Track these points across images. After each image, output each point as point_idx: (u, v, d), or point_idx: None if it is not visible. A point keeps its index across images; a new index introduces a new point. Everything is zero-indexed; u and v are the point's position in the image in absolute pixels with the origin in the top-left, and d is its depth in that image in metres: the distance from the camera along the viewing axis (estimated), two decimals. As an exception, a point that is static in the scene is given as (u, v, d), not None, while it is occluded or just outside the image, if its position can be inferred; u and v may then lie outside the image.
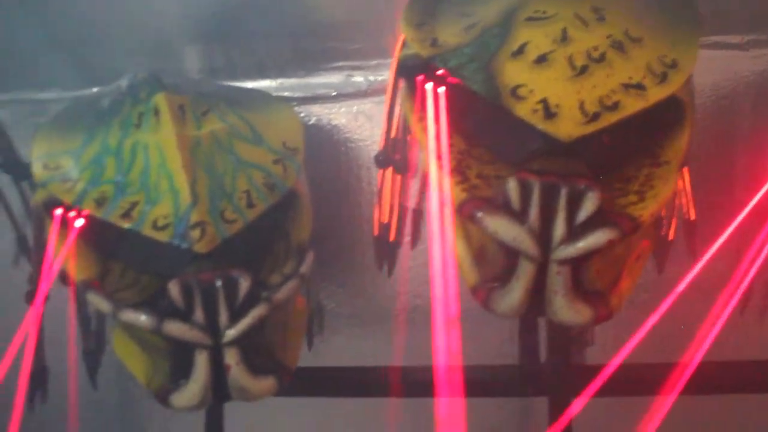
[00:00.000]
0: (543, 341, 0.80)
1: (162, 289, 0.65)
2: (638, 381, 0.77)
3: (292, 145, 0.77)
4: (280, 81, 1.02)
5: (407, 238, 0.97)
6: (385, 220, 0.95)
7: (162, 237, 0.65)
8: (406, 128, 0.91)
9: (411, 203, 0.97)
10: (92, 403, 1.01)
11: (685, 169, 0.84)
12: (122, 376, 1.03)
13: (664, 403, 0.71)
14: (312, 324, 0.90)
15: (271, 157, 0.74)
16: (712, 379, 0.79)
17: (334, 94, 1.02)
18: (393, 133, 0.91)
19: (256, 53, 1.02)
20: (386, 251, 0.96)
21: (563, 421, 0.76)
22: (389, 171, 0.94)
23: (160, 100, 0.72)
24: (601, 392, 0.73)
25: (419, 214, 0.98)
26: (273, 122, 0.80)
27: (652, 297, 0.82)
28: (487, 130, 0.67)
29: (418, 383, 0.85)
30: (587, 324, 0.61)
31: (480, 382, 0.79)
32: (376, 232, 0.96)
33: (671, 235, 0.88)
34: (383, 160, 0.93)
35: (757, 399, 0.90)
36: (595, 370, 0.82)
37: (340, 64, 1.02)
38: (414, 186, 0.96)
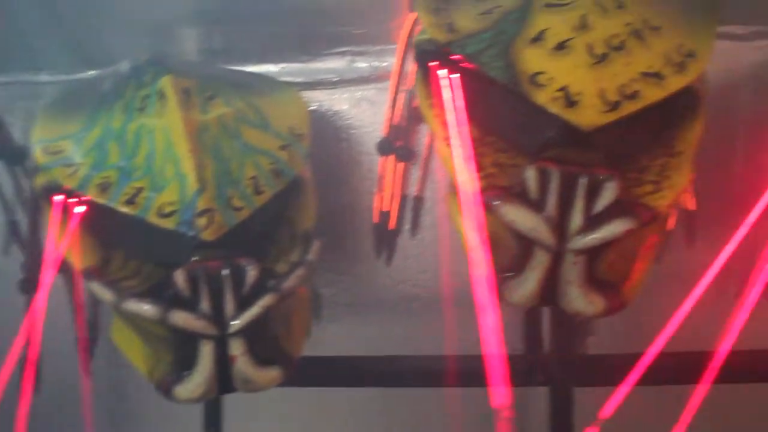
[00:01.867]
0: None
1: (166, 278, 0.63)
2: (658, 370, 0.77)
3: (298, 130, 0.75)
4: (281, 66, 1.01)
5: (407, 227, 0.97)
6: (386, 208, 0.94)
7: (168, 224, 0.63)
8: (410, 115, 0.90)
9: (412, 191, 0.96)
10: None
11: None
12: (113, 365, 1.02)
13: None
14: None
15: (278, 143, 0.73)
16: (724, 367, 0.79)
17: (336, 79, 1.01)
18: (396, 120, 0.90)
19: (257, 37, 1.00)
20: (386, 239, 0.95)
21: (568, 410, 0.76)
22: (391, 158, 0.93)
23: (165, 83, 0.70)
24: (611, 382, 0.73)
25: (420, 202, 0.97)
26: (279, 107, 0.78)
27: (649, 285, 0.82)
28: (502, 118, 0.66)
29: (416, 373, 0.84)
30: (600, 315, 0.60)
31: (482, 372, 0.78)
32: (376, 219, 0.95)
33: (671, 225, 0.88)
34: (386, 147, 0.92)
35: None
36: (597, 359, 0.82)
37: (343, 49, 1.00)
38: (415, 174, 0.95)
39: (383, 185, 0.93)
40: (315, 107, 1.00)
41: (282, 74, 0.99)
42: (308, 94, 1.00)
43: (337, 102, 1.01)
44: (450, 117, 0.64)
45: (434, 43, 0.67)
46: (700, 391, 0.68)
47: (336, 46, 1.00)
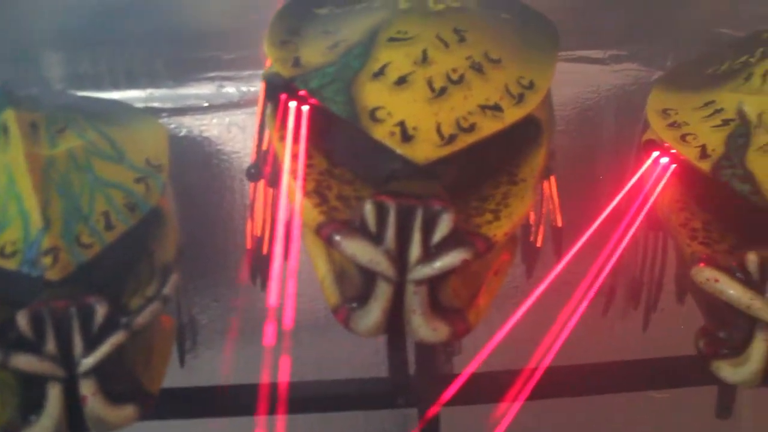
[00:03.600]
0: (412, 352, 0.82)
1: (10, 320, 0.62)
2: (503, 387, 0.79)
3: (156, 161, 0.75)
4: (149, 91, 1.00)
5: (281, 252, 0.97)
6: (258, 233, 0.94)
7: (10, 265, 0.62)
8: (278, 141, 0.91)
9: (284, 216, 0.96)
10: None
11: (553, 178, 0.88)
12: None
13: (514, 408, 0.73)
14: (184, 341, 0.89)
15: (132, 175, 0.72)
16: (572, 381, 0.83)
17: (205, 105, 1.01)
18: (264, 146, 0.91)
19: (123, 62, 0.99)
20: (259, 264, 0.95)
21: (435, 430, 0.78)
22: (261, 184, 0.94)
23: (8, 117, 0.68)
24: (465, 400, 0.76)
25: (293, 227, 0.97)
26: (136, 137, 0.77)
27: (519, 302, 0.85)
28: (349, 150, 0.67)
29: (296, 399, 0.84)
30: (445, 341, 0.62)
31: (350, 396, 0.79)
32: (249, 245, 0.95)
33: (539, 242, 0.91)
34: (255, 173, 0.92)
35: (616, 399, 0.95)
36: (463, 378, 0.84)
37: (212, 74, 1.00)
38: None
39: (254, 210, 0.94)
40: (184, 133, 1.00)
41: (150, 100, 0.98)
42: (177, 120, 1.00)
43: (207, 128, 1.01)
44: (295, 150, 0.65)
45: (281, 76, 0.68)
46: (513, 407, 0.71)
47: (205, 71, 1.00)
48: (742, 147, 0.69)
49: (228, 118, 1.01)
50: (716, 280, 0.65)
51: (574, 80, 1.05)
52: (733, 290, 0.64)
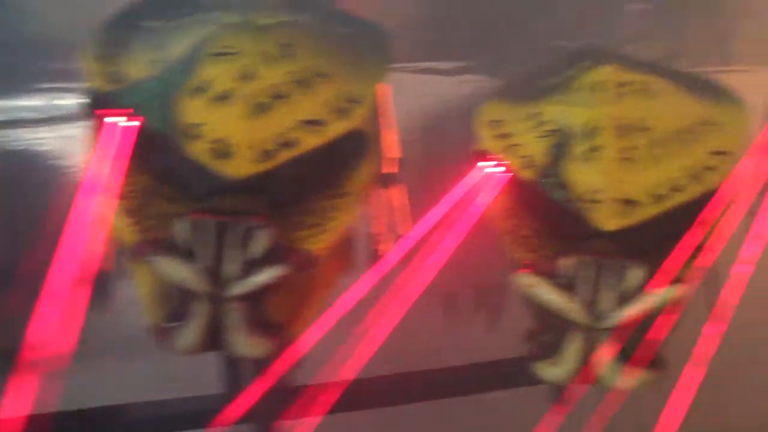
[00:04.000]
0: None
1: None
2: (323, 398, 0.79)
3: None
4: (-23, 103, 0.95)
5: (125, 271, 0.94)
6: (95, 250, 0.91)
7: None
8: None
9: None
10: None
11: (398, 187, 0.89)
12: None
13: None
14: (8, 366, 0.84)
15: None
16: (408, 388, 0.84)
17: (40, 117, 0.96)
18: (93, 163, 0.88)
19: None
20: (103, 285, 0.92)
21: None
22: (96, 200, 0.91)
23: None
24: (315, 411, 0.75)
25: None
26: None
27: (370, 312, 0.85)
28: (174, 167, 0.66)
29: (148, 420, 0.82)
30: (266, 356, 0.62)
31: (185, 414, 0.78)
32: (87, 263, 0.92)
33: (385, 250, 0.93)
34: (87, 189, 0.89)
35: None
36: (303, 390, 0.84)
37: (46, 85, 0.96)
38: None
39: (90, 228, 0.91)
40: (18, 147, 0.96)
41: (-22, 112, 0.94)
42: (10, 133, 0.95)
43: (41, 141, 0.97)
44: (113, 167, 0.64)
45: (100, 91, 0.66)
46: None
47: (37, 82, 0.96)
48: (562, 156, 0.72)
49: (64, 130, 0.97)
50: (533, 285, 0.68)
51: (421, 91, 1.08)
52: (548, 294, 0.67)
